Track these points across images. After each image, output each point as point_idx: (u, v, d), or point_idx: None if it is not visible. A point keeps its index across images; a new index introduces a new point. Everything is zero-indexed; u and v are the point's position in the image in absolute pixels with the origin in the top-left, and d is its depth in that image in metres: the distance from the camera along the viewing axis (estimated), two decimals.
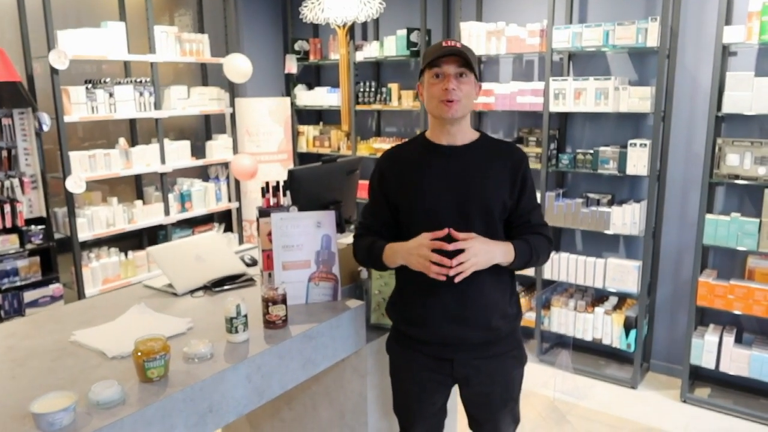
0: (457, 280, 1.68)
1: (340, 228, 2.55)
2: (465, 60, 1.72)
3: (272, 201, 2.33)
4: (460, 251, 1.68)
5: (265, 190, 2.31)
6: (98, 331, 1.90)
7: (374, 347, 2.17)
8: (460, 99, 1.74)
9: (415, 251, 1.74)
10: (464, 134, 1.84)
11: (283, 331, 1.89)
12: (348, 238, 2.40)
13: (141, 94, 3.97)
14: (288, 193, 2.30)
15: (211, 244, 2.50)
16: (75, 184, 3.59)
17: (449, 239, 1.69)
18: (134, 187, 4.37)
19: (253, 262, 2.59)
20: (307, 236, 2.11)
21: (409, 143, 1.95)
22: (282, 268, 2.10)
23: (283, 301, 1.90)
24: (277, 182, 2.32)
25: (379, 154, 3.25)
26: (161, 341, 1.58)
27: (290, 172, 2.34)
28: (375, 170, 1.95)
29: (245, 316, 1.81)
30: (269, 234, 2.14)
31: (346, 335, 2.05)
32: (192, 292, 2.26)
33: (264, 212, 2.22)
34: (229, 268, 2.39)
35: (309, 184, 2.38)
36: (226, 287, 2.30)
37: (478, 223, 1.78)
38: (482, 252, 1.70)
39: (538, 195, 3.73)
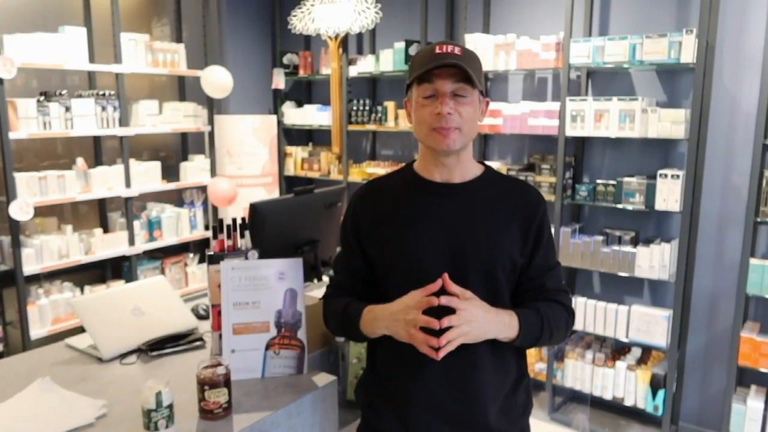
0: (440, 354, 1.22)
1: (316, 273, 2.11)
2: (465, 73, 1.27)
3: (227, 243, 1.87)
4: (451, 311, 1.24)
5: (218, 230, 1.85)
6: None
7: None
8: (459, 126, 1.30)
9: (401, 315, 1.28)
10: (464, 169, 1.40)
11: (224, 424, 1.41)
12: (322, 290, 1.94)
13: (104, 108, 3.53)
14: (246, 233, 1.84)
15: (155, 292, 2.03)
16: (20, 210, 3.13)
17: (442, 291, 1.26)
18: (97, 214, 3.91)
19: (208, 314, 2.12)
20: (266, 291, 1.65)
21: (392, 176, 1.49)
22: (232, 331, 1.63)
23: (226, 383, 1.43)
24: (234, 220, 1.86)
25: None
26: None
27: (252, 207, 1.88)
28: (347, 210, 1.49)
29: (169, 407, 1.34)
30: (220, 286, 1.68)
31: (311, 423, 1.58)
32: (122, 356, 1.79)
33: (214, 258, 1.76)
34: (174, 325, 1.92)
35: (276, 221, 1.93)
36: (166, 350, 1.83)
37: (478, 286, 1.33)
38: (477, 319, 1.24)
39: (551, 230, 3.26)
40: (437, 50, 1.30)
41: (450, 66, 1.27)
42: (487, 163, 3.07)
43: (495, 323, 1.28)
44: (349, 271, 1.48)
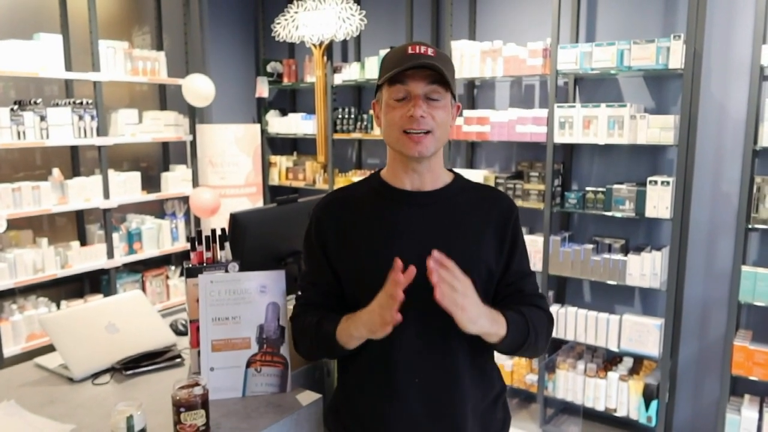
0: (437, 295, 1.12)
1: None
2: (439, 74, 1.21)
3: (206, 255, 1.78)
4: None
5: (196, 241, 1.76)
6: None
7: None
8: (431, 129, 1.23)
9: (377, 307, 1.19)
10: (435, 176, 1.33)
11: None
12: None
13: (81, 117, 3.43)
14: (226, 245, 1.76)
15: (131, 307, 1.94)
16: None
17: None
18: (75, 226, 3.79)
19: (187, 330, 2.03)
20: (247, 305, 1.57)
21: (357, 186, 1.42)
22: (211, 348, 1.55)
23: (204, 404, 1.34)
24: (213, 231, 1.78)
25: None
26: None
27: (232, 217, 1.80)
28: (311, 222, 1.40)
29: (141, 431, 1.25)
30: (198, 300, 1.60)
31: None
32: (95, 376, 1.70)
33: (192, 271, 1.67)
34: (150, 342, 1.83)
35: (258, 232, 1.85)
36: (142, 368, 1.74)
37: None
38: (472, 299, 1.16)
39: (540, 239, 3.22)
40: (410, 51, 1.24)
41: (424, 67, 1.21)
42: (473, 171, 3.02)
43: (486, 312, 1.20)
44: (318, 288, 1.40)
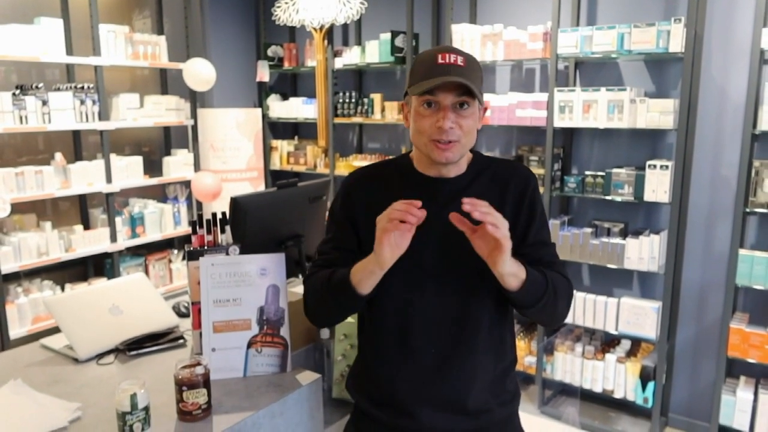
0: (489, 229, 1.15)
1: (301, 268, 2.05)
2: (467, 87, 1.24)
3: (208, 239, 1.81)
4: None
5: (197, 225, 1.79)
6: None
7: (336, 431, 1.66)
8: (459, 139, 1.27)
9: (381, 222, 1.21)
10: (459, 166, 1.38)
11: (204, 426, 1.36)
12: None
13: (82, 102, 3.44)
14: (227, 228, 1.78)
15: (133, 290, 1.97)
16: None
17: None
18: (78, 210, 3.82)
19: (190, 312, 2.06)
20: (248, 287, 1.60)
21: (386, 165, 1.48)
22: (212, 329, 1.58)
23: (206, 383, 1.38)
24: (214, 214, 1.81)
25: None
26: None
27: (233, 201, 1.83)
28: (340, 194, 1.46)
29: (145, 409, 1.28)
30: (200, 283, 1.62)
31: (295, 422, 1.53)
32: (99, 356, 1.73)
33: (194, 254, 1.70)
34: (153, 323, 1.86)
35: (259, 216, 1.88)
36: (145, 349, 1.77)
37: (473, 273, 1.30)
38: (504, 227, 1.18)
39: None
40: (440, 60, 1.25)
41: (453, 82, 1.23)
42: None
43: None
44: (342, 251, 1.41)
